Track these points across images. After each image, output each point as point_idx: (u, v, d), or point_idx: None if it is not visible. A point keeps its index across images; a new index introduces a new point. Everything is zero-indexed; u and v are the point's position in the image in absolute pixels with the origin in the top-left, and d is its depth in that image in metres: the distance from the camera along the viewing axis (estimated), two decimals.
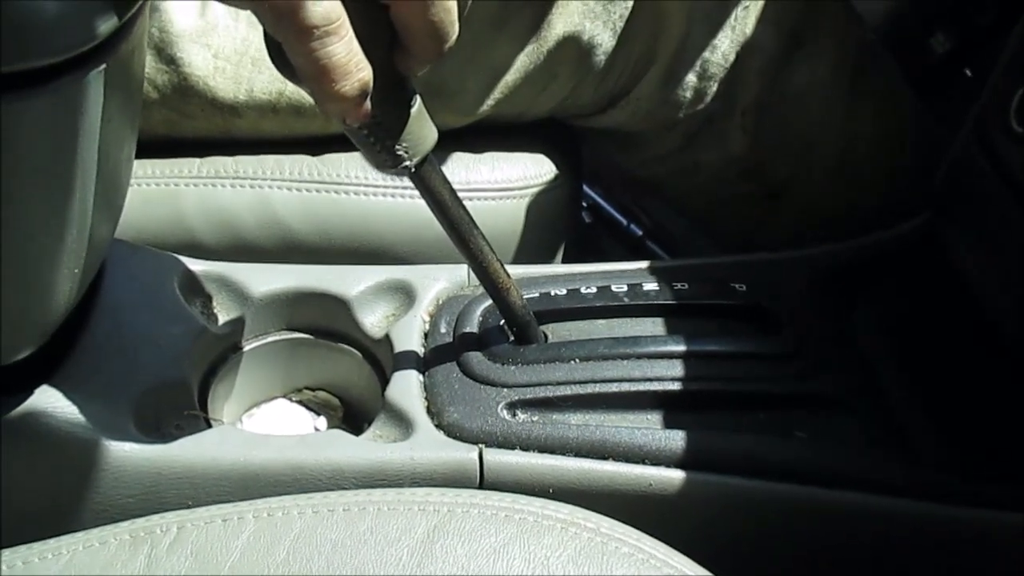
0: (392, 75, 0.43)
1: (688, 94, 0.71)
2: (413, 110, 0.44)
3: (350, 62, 0.39)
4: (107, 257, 0.56)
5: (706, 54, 0.69)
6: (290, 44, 0.39)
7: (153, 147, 0.67)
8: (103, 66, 0.39)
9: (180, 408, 0.52)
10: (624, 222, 1.08)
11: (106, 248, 0.50)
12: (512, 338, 0.55)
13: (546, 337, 0.56)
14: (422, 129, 0.45)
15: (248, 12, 0.65)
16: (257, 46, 0.66)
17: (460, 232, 0.49)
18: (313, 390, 0.63)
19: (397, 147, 0.44)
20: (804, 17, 0.70)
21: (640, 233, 1.08)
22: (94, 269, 0.50)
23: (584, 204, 1.06)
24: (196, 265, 0.59)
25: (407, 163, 0.45)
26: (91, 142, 0.41)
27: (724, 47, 0.69)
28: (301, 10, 0.37)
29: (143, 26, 0.43)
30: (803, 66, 0.71)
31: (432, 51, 0.42)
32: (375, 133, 0.44)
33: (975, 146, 0.57)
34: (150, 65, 0.65)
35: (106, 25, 0.37)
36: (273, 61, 0.42)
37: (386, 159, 0.45)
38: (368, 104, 0.41)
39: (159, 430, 0.51)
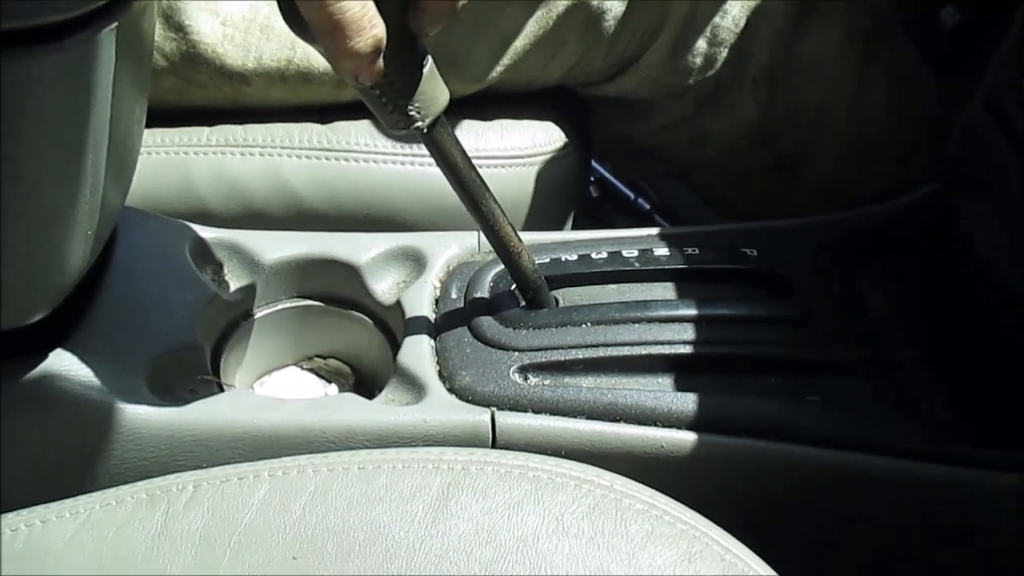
0: (405, 34, 0.42)
1: (698, 60, 0.70)
2: (425, 70, 0.44)
3: (364, 18, 0.39)
4: (119, 224, 0.56)
5: (716, 19, 0.69)
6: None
7: (162, 115, 0.67)
8: (114, 25, 0.39)
9: (193, 373, 0.53)
10: (632, 196, 1.07)
11: (118, 212, 0.50)
12: (523, 303, 0.55)
13: (557, 302, 0.56)
14: (434, 90, 0.45)
15: None
16: (265, 13, 0.66)
17: (472, 195, 0.49)
18: (324, 358, 0.63)
19: (409, 107, 0.44)
20: None
21: (648, 207, 1.07)
22: (106, 233, 0.50)
23: (592, 178, 1.06)
24: (207, 232, 0.59)
25: (419, 124, 0.45)
26: (103, 103, 0.41)
27: (735, 12, 0.69)
28: None
29: None
30: (815, 33, 0.70)
31: (445, 9, 0.41)
32: (387, 93, 0.44)
33: (986, 115, 0.57)
34: (158, 33, 0.65)
35: None
36: (285, 18, 0.41)
37: (398, 119, 0.45)
38: (381, 62, 0.41)
39: (173, 394, 0.51)
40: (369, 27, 0.39)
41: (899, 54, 0.74)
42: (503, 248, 0.52)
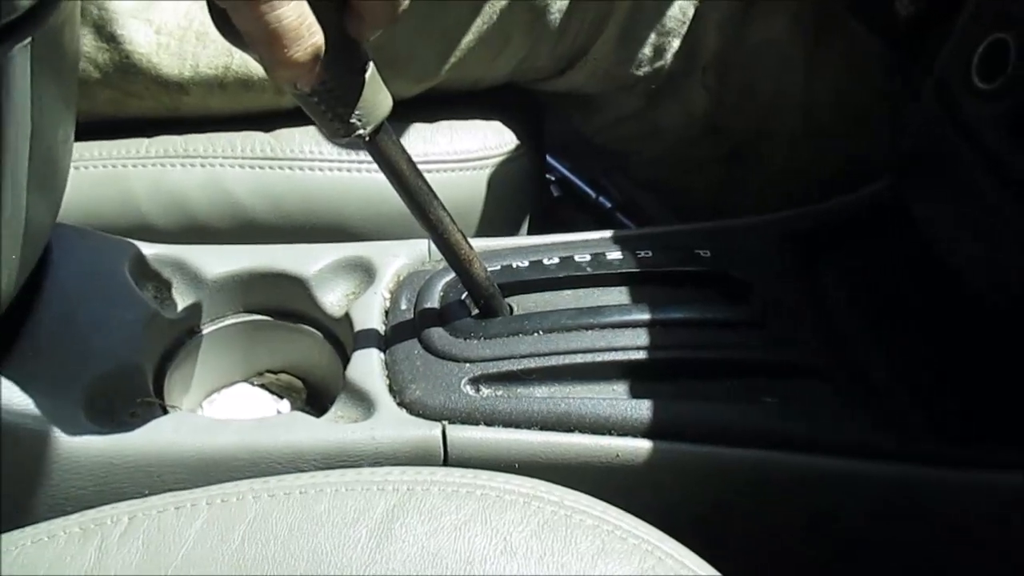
0: (343, 39, 0.41)
1: (647, 52, 0.69)
2: (366, 76, 0.43)
3: (301, 26, 0.37)
4: (52, 242, 0.54)
5: (664, 10, 0.68)
6: (238, 8, 0.37)
7: (99, 128, 0.65)
8: (28, 40, 0.37)
9: (134, 396, 0.51)
10: (593, 195, 1.07)
11: (47, 234, 0.48)
12: (474, 312, 0.54)
13: (511, 309, 0.54)
14: (376, 96, 0.44)
15: None
16: (201, 20, 0.64)
17: (419, 203, 0.48)
18: (275, 373, 0.62)
19: (351, 115, 0.43)
20: None
21: (609, 206, 1.07)
22: (35, 255, 0.48)
23: (552, 177, 1.05)
24: (147, 248, 0.57)
25: (361, 132, 0.44)
26: (20, 121, 0.39)
27: (681, 2, 0.68)
28: None
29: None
30: (761, 22, 0.70)
31: (385, 16, 0.40)
32: (326, 101, 0.42)
33: (937, 105, 0.57)
34: (90, 43, 0.63)
35: None
36: (218, 27, 0.40)
37: (339, 128, 0.44)
38: (319, 68, 0.39)
39: (112, 419, 0.50)
40: (308, 35, 0.38)
41: (850, 40, 0.73)
42: (454, 257, 0.50)
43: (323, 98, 0.42)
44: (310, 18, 0.38)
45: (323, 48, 0.39)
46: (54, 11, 0.38)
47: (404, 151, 0.47)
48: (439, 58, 0.67)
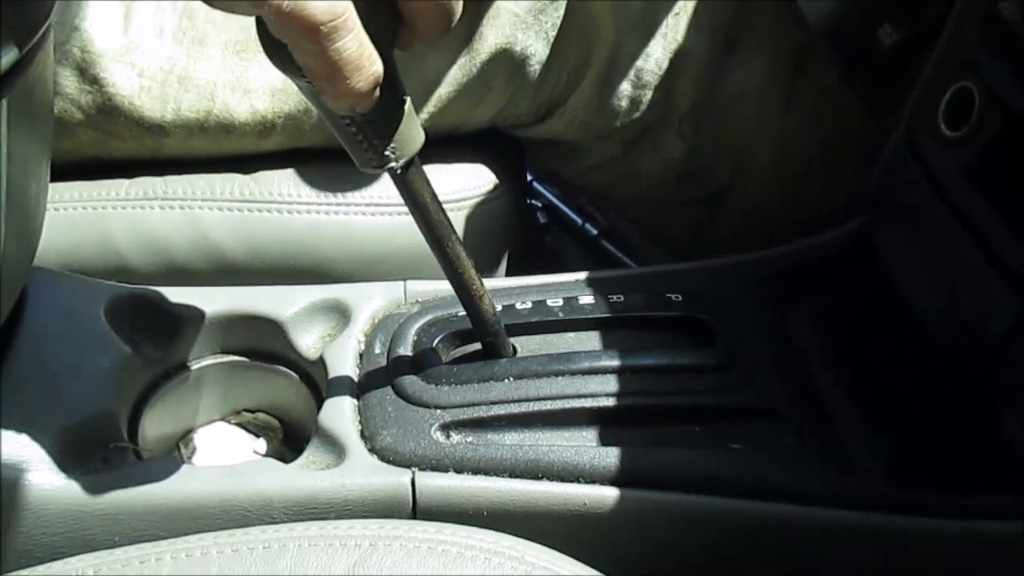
0: (388, 71, 0.41)
1: (624, 102, 0.70)
2: (404, 110, 0.43)
3: (362, 56, 0.37)
4: (29, 286, 0.54)
5: (639, 62, 0.69)
6: (297, 44, 0.37)
7: (80, 169, 0.66)
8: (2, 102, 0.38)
9: (106, 441, 0.51)
10: (579, 221, 1.07)
11: (21, 280, 0.49)
12: (446, 359, 0.54)
13: (515, 350, 0.55)
14: (411, 130, 0.44)
15: (173, 30, 0.65)
16: (183, 64, 0.64)
17: (439, 237, 0.49)
18: (252, 412, 0.62)
19: (386, 148, 0.43)
20: (736, 21, 0.70)
21: (595, 232, 1.07)
22: (10, 301, 0.48)
23: (539, 204, 1.06)
24: (124, 291, 0.57)
25: (393, 164, 0.44)
26: None
27: (657, 54, 0.69)
28: (305, 8, 0.35)
29: (44, 58, 0.42)
30: (737, 70, 0.71)
31: (440, 29, 0.40)
32: (364, 131, 0.43)
33: (905, 150, 0.57)
34: (73, 85, 0.63)
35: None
36: (271, 57, 0.40)
37: (372, 158, 0.44)
38: (377, 92, 0.40)
39: (84, 465, 0.50)
40: (368, 64, 0.38)
41: (823, 85, 0.75)
42: (465, 292, 0.51)
43: (361, 128, 0.43)
44: (369, 47, 0.38)
45: (382, 74, 0.39)
46: (26, 73, 0.39)
47: (429, 185, 0.47)
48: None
